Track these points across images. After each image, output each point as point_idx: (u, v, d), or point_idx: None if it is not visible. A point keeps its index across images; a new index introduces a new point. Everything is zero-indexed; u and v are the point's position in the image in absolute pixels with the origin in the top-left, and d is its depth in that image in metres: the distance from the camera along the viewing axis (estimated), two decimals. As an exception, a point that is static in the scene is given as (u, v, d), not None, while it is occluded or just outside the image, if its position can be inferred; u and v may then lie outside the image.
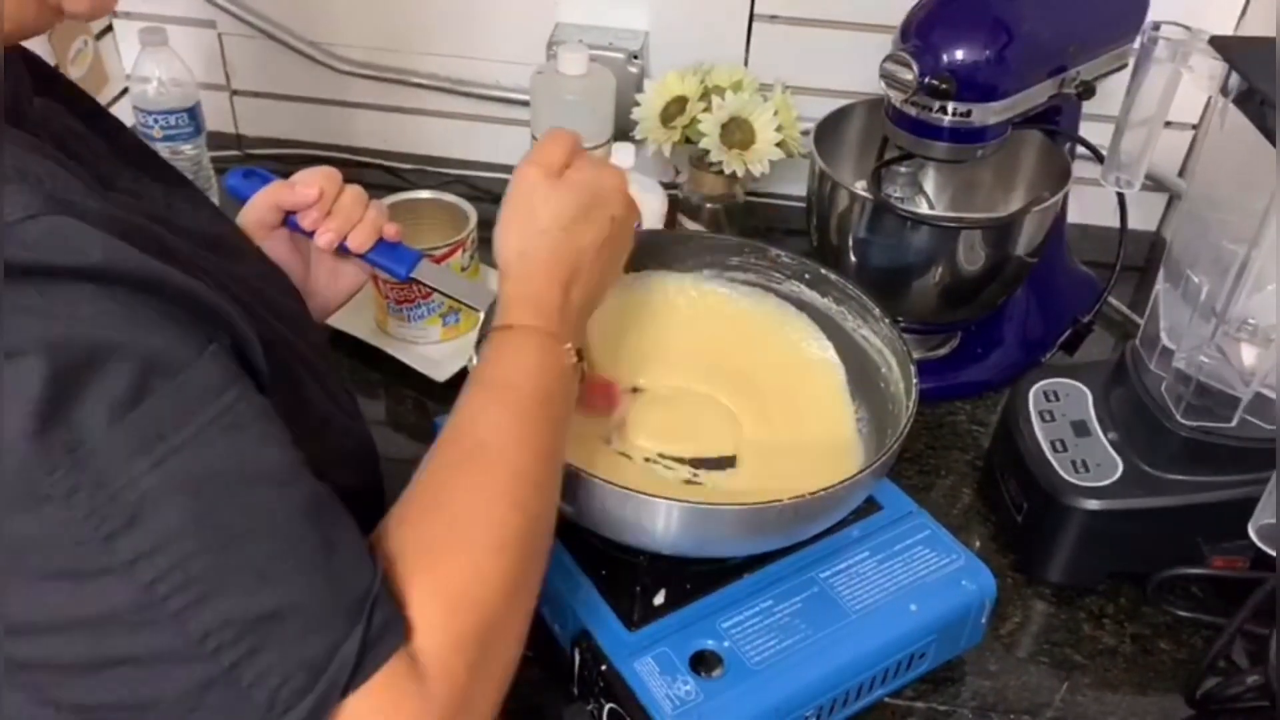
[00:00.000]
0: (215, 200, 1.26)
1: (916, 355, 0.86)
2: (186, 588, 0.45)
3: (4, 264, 0.42)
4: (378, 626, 0.49)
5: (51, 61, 1.20)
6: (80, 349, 0.43)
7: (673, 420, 0.85)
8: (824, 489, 0.71)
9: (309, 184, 0.78)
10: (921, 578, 0.77)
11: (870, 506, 0.82)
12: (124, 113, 1.27)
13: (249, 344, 0.52)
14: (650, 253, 0.92)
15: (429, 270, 0.81)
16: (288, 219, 0.79)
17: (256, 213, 0.79)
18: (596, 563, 0.78)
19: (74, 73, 1.25)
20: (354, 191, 0.80)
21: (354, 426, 0.68)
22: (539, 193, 0.71)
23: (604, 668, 0.71)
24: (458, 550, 0.55)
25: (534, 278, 0.69)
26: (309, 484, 0.50)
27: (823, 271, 0.89)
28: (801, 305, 0.91)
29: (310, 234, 0.78)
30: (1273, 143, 0.74)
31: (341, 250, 0.79)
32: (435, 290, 0.83)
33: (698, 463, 0.83)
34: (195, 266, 0.52)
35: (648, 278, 0.92)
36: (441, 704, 0.51)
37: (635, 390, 0.88)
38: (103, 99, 1.32)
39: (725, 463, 0.83)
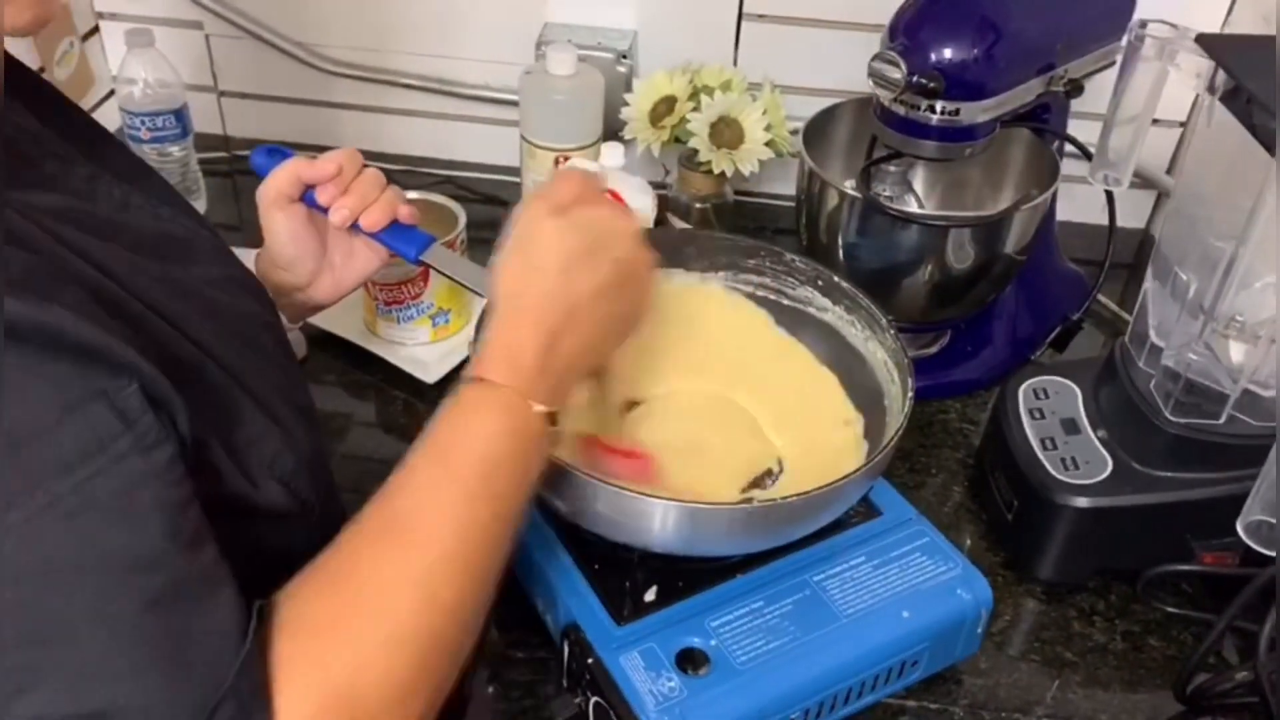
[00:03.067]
0: (203, 203, 1.26)
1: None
2: (2, 680, 0.42)
3: None
4: None
5: (36, 63, 1.20)
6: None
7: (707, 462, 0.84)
8: (812, 490, 0.71)
9: (329, 160, 0.79)
10: (916, 585, 0.77)
11: (869, 511, 0.82)
12: (110, 114, 1.27)
13: (155, 383, 0.48)
14: (662, 252, 0.92)
15: (439, 254, 0.82)
16: (305, 194, 0.80)
17: (275, 184, 0.80)
18: (590, 556, 0.78)
19: (60, 74, 1.25)
20: (372, 173, 0.81)
21: (298, 438, 0.61)
22: (538, 228, 0.66)
23: (591, 661, 0.71)
24: (348, 639, 0.51)
25: (519, 325, 0.64)
26: (168, 571, 0.46)
27: (835, 279, 0.88)
28: (804, 312, 0.91)
29: (326, 210, 0.79)
30: (1258, 138, 0.74)
31: (355, 230, 0.80)
32: (444, 274, 0.83)
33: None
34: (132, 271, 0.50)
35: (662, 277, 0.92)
36: None
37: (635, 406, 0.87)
38: (88, 101, 1.31)
39: (767, 477, 0.84)
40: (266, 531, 0.58)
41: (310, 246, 0.82)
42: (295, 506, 0.59)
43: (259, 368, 0.61)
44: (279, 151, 0.83)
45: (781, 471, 0.85)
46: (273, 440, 0.59)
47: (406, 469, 0.58)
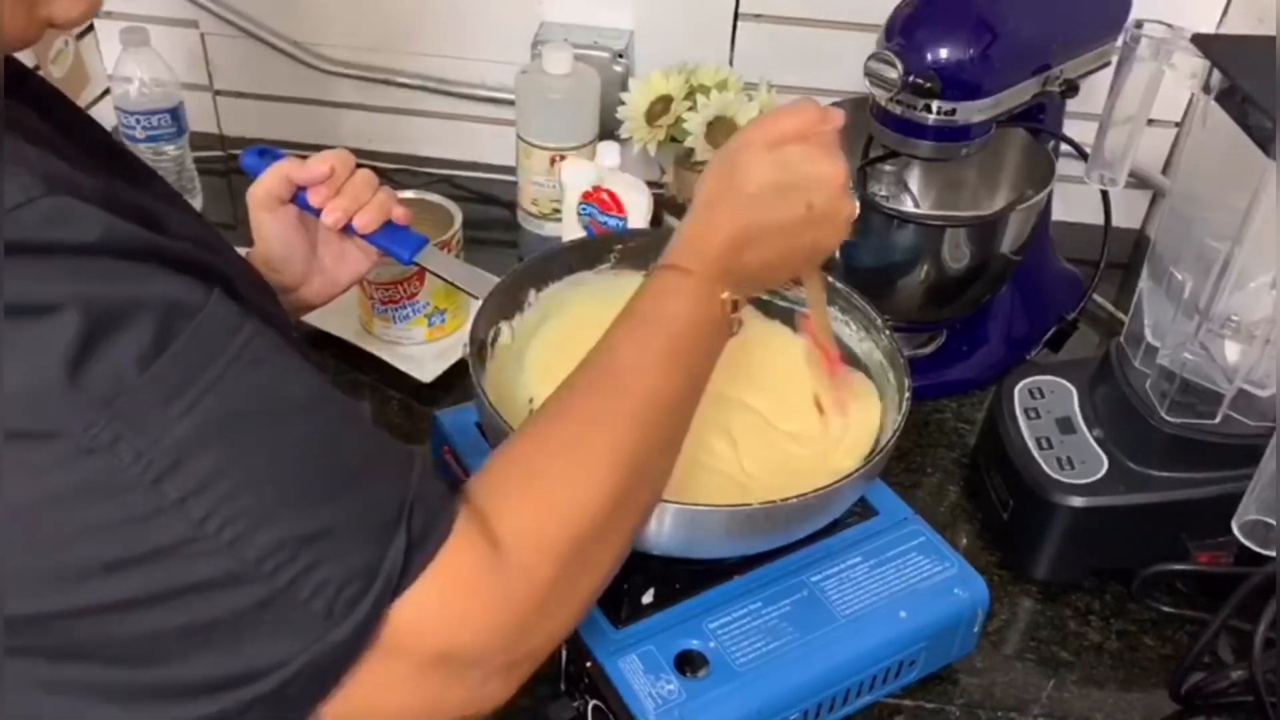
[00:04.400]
0: (199, 201, 1.26)
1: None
2: (236, 519, 0.46)
3: (11, 244, 0.43)
4: (420, 527, 0.51)
5: (32, 62, 1.20)
6: (104, 304, 0.45)
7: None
8: (810, 492, 0.71)
9: (321, 162, 0.79)
10: (913, 584, 0.77)
11: (865, 511, 0.82)
12: (106, 113, 1.27)
13: (243, 300, 0.52)
14: (657, 252, 0.91)
15: (432, 255, 0.82)
16: (297, 195, 0.80)
17: (267, 185, 0.80)
18: (584, 562, 0.77)
19: (55, 73, 1.24)
20: (364, 174, 0.81)
21: None
22: (746, 155, 0.69)
23: (589, 664, 0.71)
24: (567, 460, 0.58)
25: (710, 229, 0.68)
26: (336, 404, 0.52)
27: (830, 279, 0.88)
28: (800, 312, 0.90)
29: (318, 211, 0.79)
30: (1253, 138, 0.74)
31: (349, 231, 0.80)
32: (438, 275, 0.83)
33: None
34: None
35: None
36: (519, 598, 0.54)
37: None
38: (84, 100, 1.31)
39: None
40: None
41: (300, 248, 0.82)
42: None
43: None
44: (270, 152, 0.83)
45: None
46: None
47: (614, 335, 0.65)
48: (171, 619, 0.47)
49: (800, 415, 0.85)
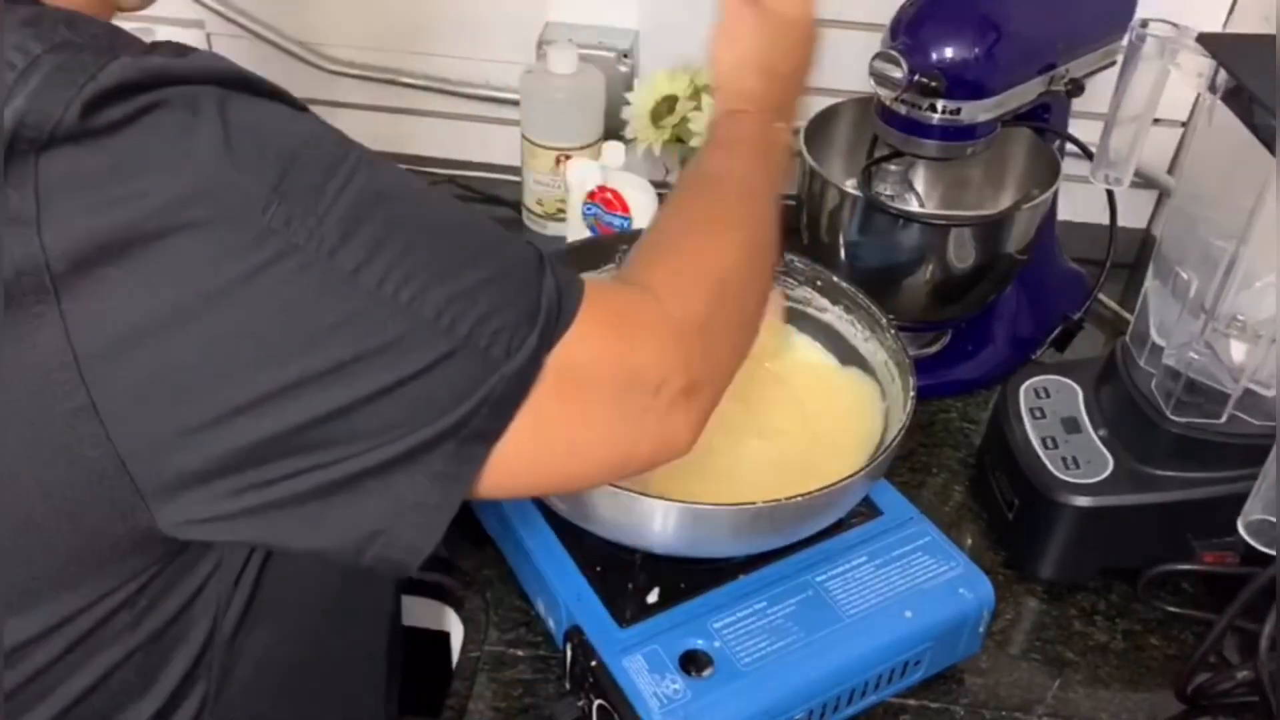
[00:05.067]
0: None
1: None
2: (409, 280, 0.50)
3: (158, 74, 0.48)
4: (563, 276, 0.56)
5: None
6: (246, 108, 0.49)
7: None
8: (815, 491, 0.71)
9: None
10: (919, 584, 0.77)
11: (870, 511, 0.82)
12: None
13: None
14: None
15: None
16: None
17: None
18: (592, 559, 0.78)
19: (61, 73, 1.25)
20: None
21: None
22: (728, 19, 0.81)
23: (594, 663, 0.71)
24: (699, 232, 0.67)
25: (745, 76, 0.78)
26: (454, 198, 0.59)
27: (835, 279, 0.88)
28: (803, 312, 0.91)
29: None
30: (1259, 137, 0.74)
31: None
32: None
33: None
34: None
35: None
36: (678, 319, 0.60)
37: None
38: (90, 100, 1.31)
39: None
40: None
41: None
42: None
43: None
44: None
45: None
46: None
47: (700, 157, 0.75)
48: (365, 385, 0.50)
49: (782, 414, 0.85)
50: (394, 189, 0.52)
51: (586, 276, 0.59)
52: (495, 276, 0.53)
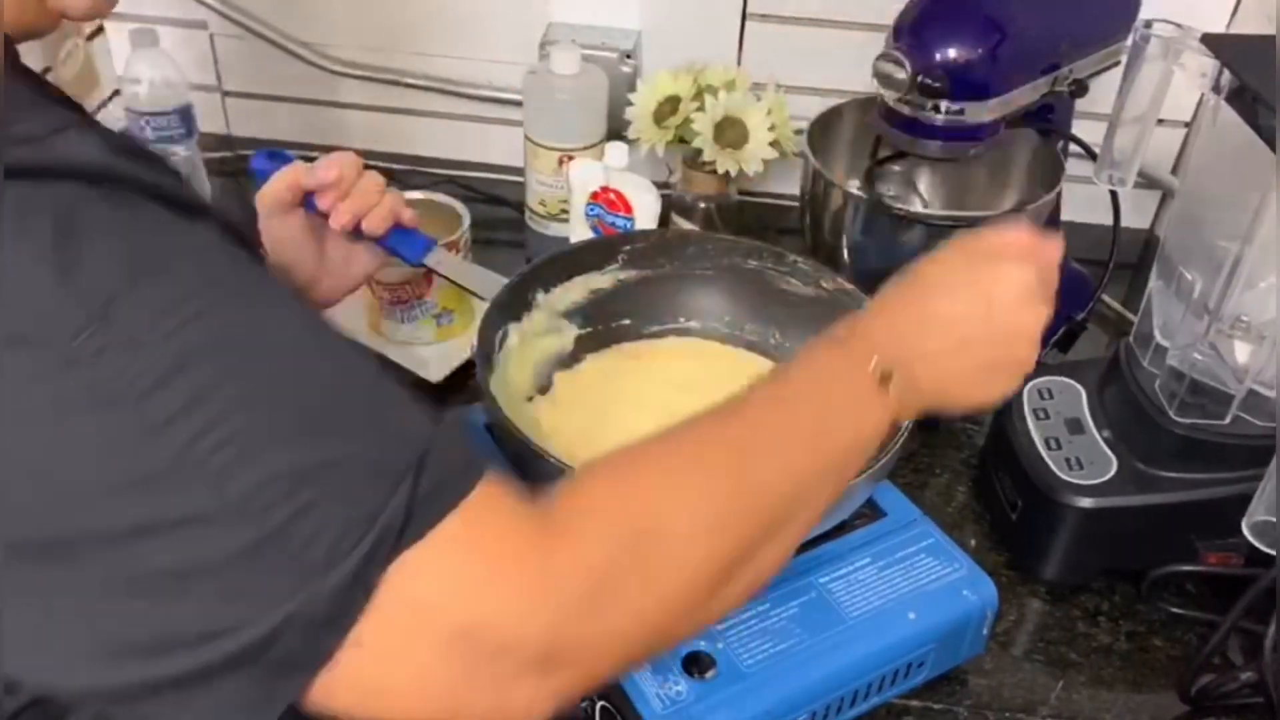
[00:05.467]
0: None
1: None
2: (226, 445, 0.42)
3: (9, 168, 0.42)
4: (431, 480, 0.46)
5: (42, 63, 1.20)
6: (99, 215, 0.43)
7: None
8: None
9: (328, 166, 0.79)
10: (922, 586, 0.77)
11: (874, 513, 0.82)
12: (115, 115, 1.27)
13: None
14: (664, 253, 0.92)
15: (440, 257, 0.82)
16: (306, 200, 0.80)
17: (275, 190, 0.80)
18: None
19: (65, 74, 1.24)
20: (372, 176, 0.81)
21: None
22: (944, 253, 0.66)
23: (597, 666, 0.71)
24: (659, 468, 0.54)
25: (874, 308, 0.65)
26: (352, 348, 0.49)
27: (839, 280, 0.88)
28: (816, 313, 0.91)
29: (326, 215, 0.79)
30: (1263, 138, 0.74)
31: (356, 234, 0.80)
32: (445, 278, 0.83)
33: None
34: None
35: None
36: (559, 572, 0.47)
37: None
38: (94, 101, 1.31)
39: None
40: None
41: (309, 251, 0.82)
42: None
43: None
44: (279, 155, 0.84)
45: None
46: None
47: (755, 389, 0.60)
48: (156, 559, 0.43)
49: None
50: (245, 342, 0.45)
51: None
52: (337, 462, 0.44)
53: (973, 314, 0.63)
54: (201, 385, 0.43)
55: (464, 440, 0.49)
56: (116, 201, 0.44)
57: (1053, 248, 0.66)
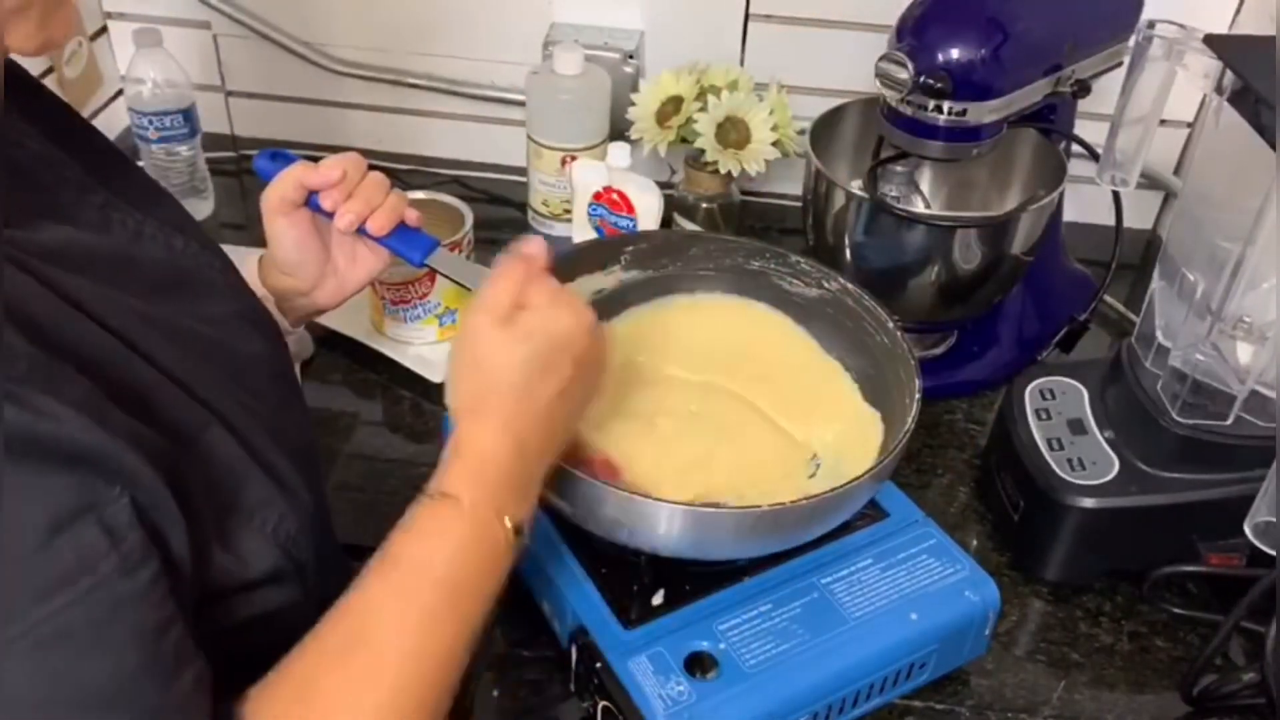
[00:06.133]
0: (210, 203, 1.26)
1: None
2: None
3: None
4: None
5: (45, 64, 1.20)
6: None
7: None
8: (820, 494, 0.71)
9: (333, 166, 0.79)
10: (924, 587, 0.77)
11: (876, 513, 0.82)
12: (118, 114, 1.27)
13: (153, 492, 0.47)
14: (667, 253, 0.92)
15: (444, 257, 0.82)
16: (310, 199, 0.80)
17: (279, 190, 0.80)
18: (597, 561, 0.78)
19: (69, 74, 1.25)
20: (376, 177, 0.81)
21: (300, 496, 0.61)
22: (487, 345, 0.64)
23: (599, 665, 0.71)
24: (327, 673, 0.52)
25: (479, 440, 0.62)
26: (141, 701, 0.46)
27: (841, 280, 0.88)
28: (819, 313, 0.91)
29: (330, 215, 0.79)
30: (1266, 139, 0.74)
31: (360, 234, 0.80)
32: (449, 278, 0.83)
33: None
34: (115, 349, 0.50)
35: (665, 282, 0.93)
36: None
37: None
38: (97, 101, 1.32)
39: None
40: (258, 598, 0.57)
41: (314, 252, 0.82)
42: (290, 569, 0.59)
43: (264, 417, 0.60)
44: (283, 155, 0.84)
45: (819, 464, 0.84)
46: (276, 505, 0.58)
47: (371, 588, 0.57)
48: None
49: (792, 412, 0.86)
50: (22, 699, 0.42)
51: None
52: None
53: (565, 378, 0.65)
54: None
55: None
56: None
57: (537, 253, 0.68)
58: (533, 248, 0.68)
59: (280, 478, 0.59)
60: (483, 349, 0.64)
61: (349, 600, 0.56)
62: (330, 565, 0.63)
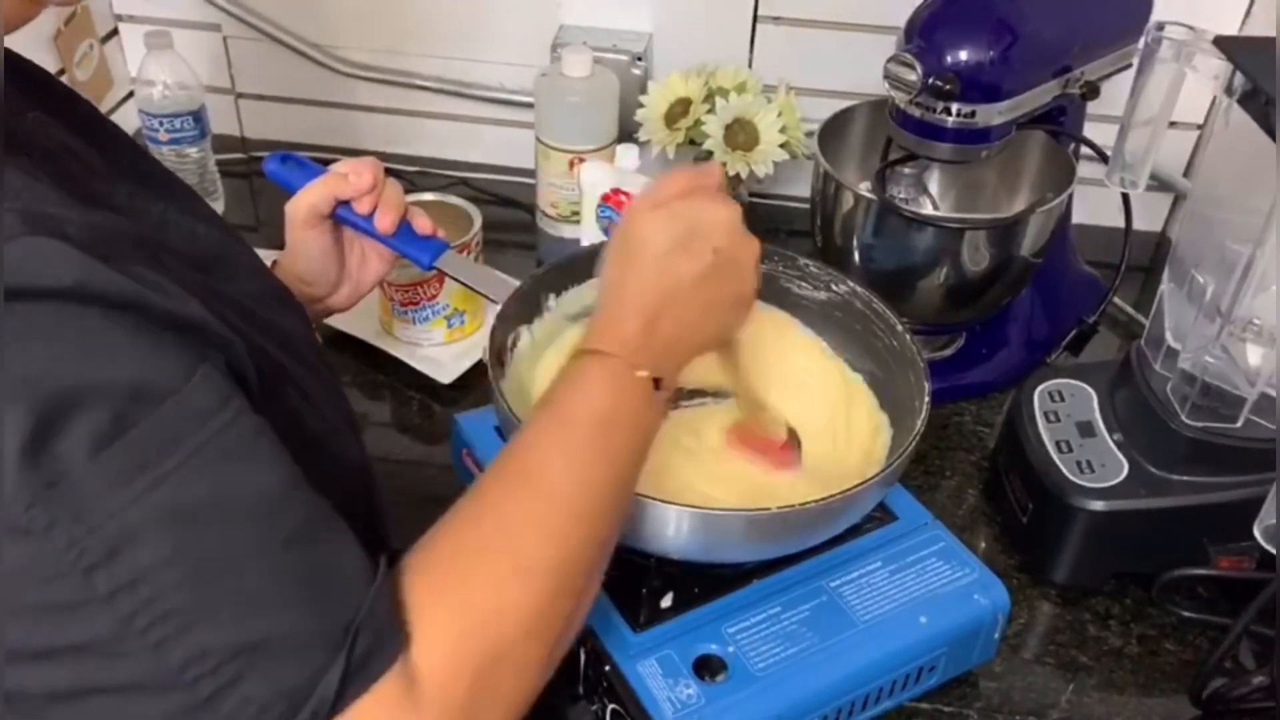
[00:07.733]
0: (220, 204, 1.27)
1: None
2: (166, 620, 0.44)
3: None
4: (360, 654, 0.48)
5: (56, 65, 1.21)
6: (61, 387, 0.43)
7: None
8: (829, 496, 0.71)
9: (362, 174, 0.81)
10: (933, 590, 0.77)
11: (885, 516, 0.82)
12: (129, 116, 1.28)
13: (242, 360, 0.51)
14: None
15: (452, 260, 0.83)
16: (337, 209, 0.81)
17: (310, 201, 0.81)
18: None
19: (79, 76, 1.25)
20: (393, 179, 0.83)
21: (346, 453, 0.64)
22: (637, 221, 0.68)
23: (608, 668, 0.71)
24: (484, 572, 0.55)
25: (621, 306, 0.66)
26: (300, 508, 0.50)
27: (849, 283, 0.88)
28: (828, 315, 0.91)
29: (356, 221, 0.81)
30: (1275, 141, 0.74)
31: (371, 236, 0.81)
32: (457, 280, 0.84)
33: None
34: (186, 284, 0.52)
35: None
36: None
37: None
38: (108, 102, 1.32)
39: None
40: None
41: (336, 260, 0.84)
42: (346, 511, 0.60)
43: (310, 381, 0.62)
44: (292, 158, 0.84)
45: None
46: (328, 449, 0.61)
47: (531, 428, 0.61)
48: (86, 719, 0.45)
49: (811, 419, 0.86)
50: (207, 506, 0.46)
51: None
52: (273, 640, 0.46)
53: (706, 265, 0.67)
54: (149, 560, 0.44)
55: (388, 591, 0.51)
56: (93, 346, 0.44)
57: (715, 170, 0.71)
58: (711, 166, 0.72)
59: (328, 419, 0.62)
60: (635, 226, 0.68)
61: (511, 444, 0.61)
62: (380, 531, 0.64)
